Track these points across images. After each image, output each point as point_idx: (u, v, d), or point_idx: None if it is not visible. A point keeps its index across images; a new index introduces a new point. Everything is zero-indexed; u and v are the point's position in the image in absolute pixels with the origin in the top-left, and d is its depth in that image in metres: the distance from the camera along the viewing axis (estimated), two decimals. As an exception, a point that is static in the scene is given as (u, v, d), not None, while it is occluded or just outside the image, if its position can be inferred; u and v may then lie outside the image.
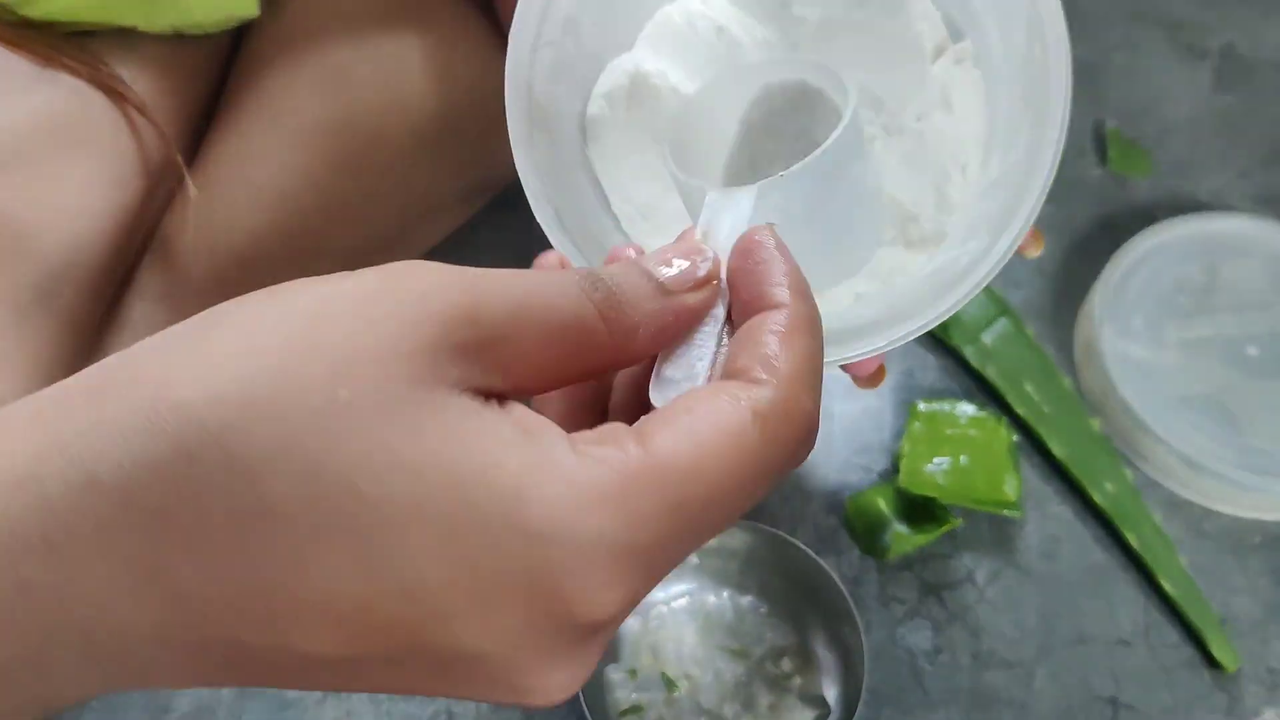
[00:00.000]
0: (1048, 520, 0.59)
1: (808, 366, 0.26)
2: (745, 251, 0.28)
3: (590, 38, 0.45)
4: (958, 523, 0.57)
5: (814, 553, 0.52)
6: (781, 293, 0.27)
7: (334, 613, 0.21)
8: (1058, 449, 0.59)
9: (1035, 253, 0.47)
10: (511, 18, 0.56)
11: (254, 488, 0.21)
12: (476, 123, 0.57)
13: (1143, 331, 0.62)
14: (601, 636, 0.24)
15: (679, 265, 0.28)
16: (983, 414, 0.59)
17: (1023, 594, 0.57)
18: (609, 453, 0.23)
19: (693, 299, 0.28)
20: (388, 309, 0.23)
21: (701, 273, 0.28)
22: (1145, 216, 0.67)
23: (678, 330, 0.28)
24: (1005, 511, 0.57)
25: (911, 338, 0.39)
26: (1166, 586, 0.56)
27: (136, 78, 0.52)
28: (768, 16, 0.46)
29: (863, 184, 0.40)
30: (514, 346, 0.24)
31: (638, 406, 0.29)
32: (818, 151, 0.36)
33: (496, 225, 0.65)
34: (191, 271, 0.52)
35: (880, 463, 0.60)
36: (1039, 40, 0.41)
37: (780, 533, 0.52)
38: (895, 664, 0.55)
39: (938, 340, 0.63)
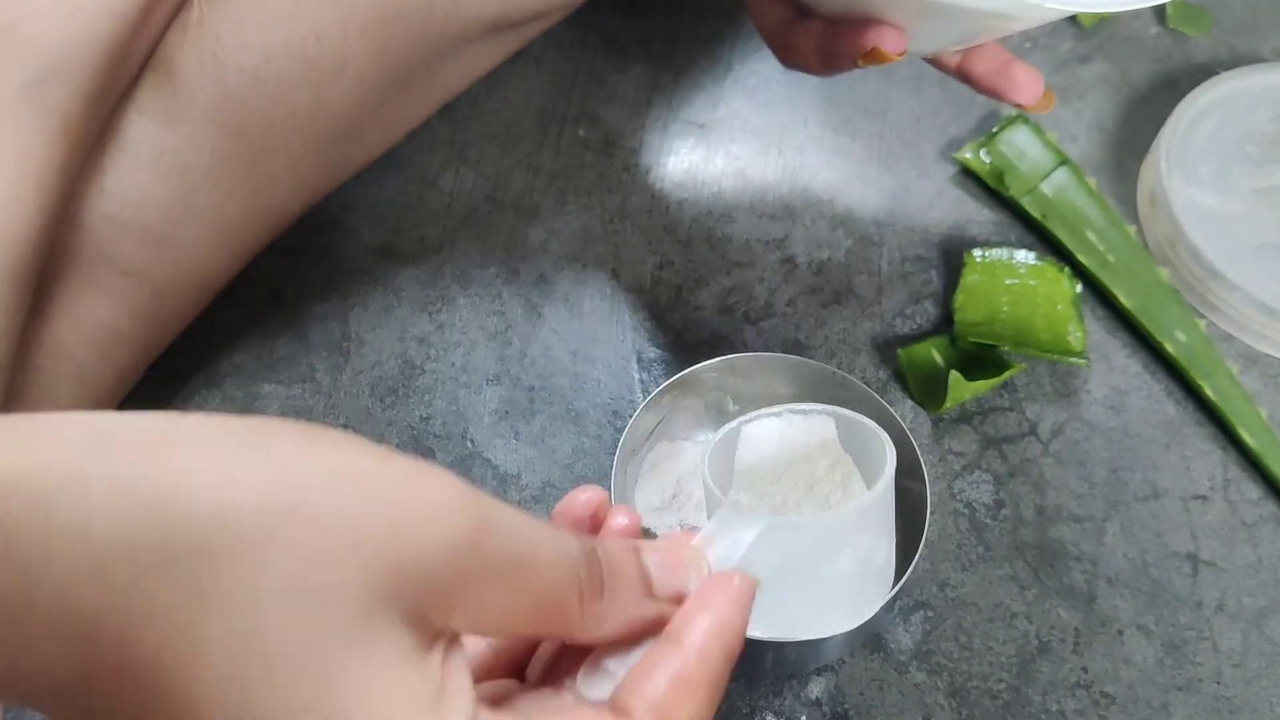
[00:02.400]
0: (1114, 373, 0.55)
1: None
2: (717, 581, 0.30)
3: None
4: (1021, 368, 0.53)
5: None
6: (709, 642, 0.28)
7: None
8: (1125, 298, 0.55)
9: (1047, 109, 0.46)
10: None
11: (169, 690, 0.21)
12: None
13: (1211, 180, 0.58)
14: None
15: (674, 576, 0.30)
16: (1043, 262, 0.55)
17: (1090, 448, 0.53)
18: None
19: (669, 612, 0.29)
20: (388, 518, 0.23)
21: (689, 588, 0.30)
22: (1206, 73, 0.63)
23: (644, 632, 0.29)
24: (1071, 360, 0.53)
25: None
26: (1246, 438, 0.52)
27: None
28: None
29: (874, 555, 0.40)
30: (490, 596, 0.25)
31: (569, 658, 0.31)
32: (847, 506, 0.40)
33: (520, 78, 0.62)
34: (198, 91, 0.48)
35: (933, 314, 0.56)
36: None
37: (834, 369, 0.48)
38: (954, 518, 0.51)
39: (991, 192, 0.59)
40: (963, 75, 0.45)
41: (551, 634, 0.27)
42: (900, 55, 0.41)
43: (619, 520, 0.34)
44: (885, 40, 0.40)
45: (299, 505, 0.23)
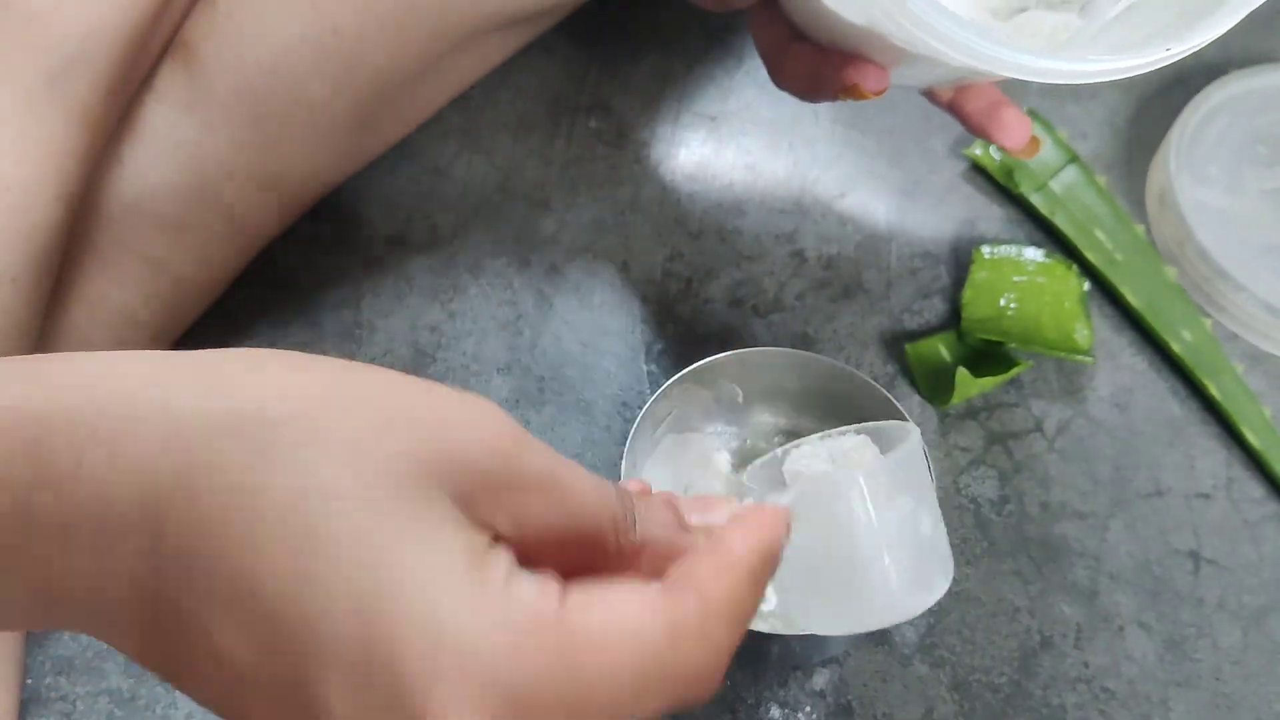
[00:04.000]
0: (1120, 371, 0.55)
1: (734, 608, 0.27)
2: (752, 507, 0.31)
3: None
4: (1028, 365, 0.53)
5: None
6: (742, 542, 0.28)
7: (254, 633, 0.23)
8: (1132, 297, 0.55)
9: (1031, 156, 0.46)
10: None
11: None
12: None
13: (1220, 180, 0.58)
14: None
15: (707, 512, 0.31)
16: (1051, 260, 0.56)
17: (1095, 445, 0.53)
18: (528, 590, 0.24)
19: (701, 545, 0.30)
20: (438, 416, 0.25)
21: (720, 520, 0.31)
22: (1217, 72, 0.63)
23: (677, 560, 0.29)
24: (1077, 358, 0.53)
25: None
26: (1250, 438, 0.52)
27: None
28: None
29: (919, 523, 0.38)
30: (531, 504, 0.26)
31: None
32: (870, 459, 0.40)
33: (533, 69, 0.62)
34: (216, 81, 0.48)
35: (941, 310, 0.56)
36: None
37: (843, 365, 0.49)
38: (960, 513, 0.51)
39: (1000, 188, 0.59)
40: (953, 111, 0.46)
41: (589, 560, 0.28)
42: (879, 94, 0.41)
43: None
44: (867, 79, 0.41)
45: (358, 393, 0.25)
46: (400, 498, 0.24)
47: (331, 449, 0.24)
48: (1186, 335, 0.54)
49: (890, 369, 0.55)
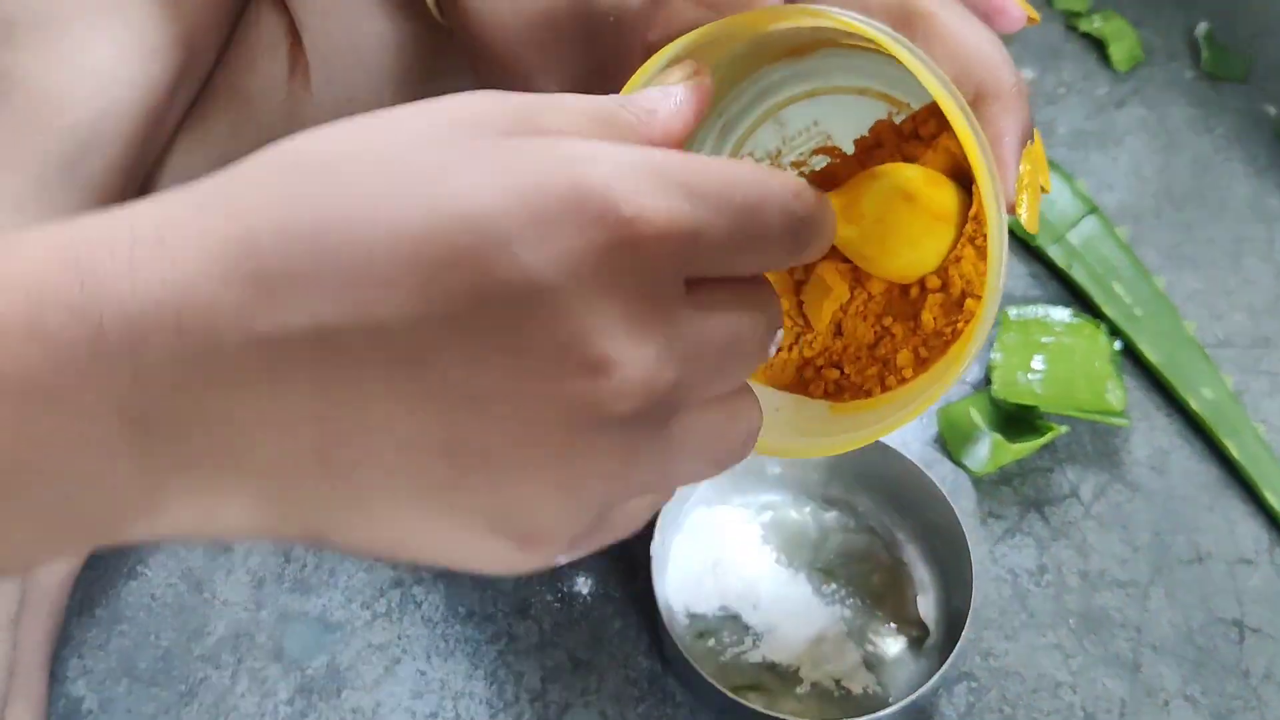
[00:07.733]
0: (1155, 432, 0.54)
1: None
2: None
3: None
4: (1062, 430, 0.52)
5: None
6: None
7: (402, 249, 0.21)
8: (1150, 353, 0.54)
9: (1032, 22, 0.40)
10: None
11: (313, 149, 0.23)
12: None
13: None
14: (669, 279, 0.22)
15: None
16: (1078, 320, 0.55)
17: (1132, 510, 0.52)
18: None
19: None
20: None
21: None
22: (1242, 117, 0.62)
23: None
24: (1111, 420, 0.52)
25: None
26: (1271, 502, 0.51)
27: None
28: None
29: None
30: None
31: None
32: None
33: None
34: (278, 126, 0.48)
35: (972, 373, 0.55)
36: None
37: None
38: (996, 584, 0.50)
39: (1023, 244, 0.58)
40: None
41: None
42: None
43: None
44: None
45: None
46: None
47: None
48: (1207, 393, 0.53)
49: (924, 434, 0.53)
